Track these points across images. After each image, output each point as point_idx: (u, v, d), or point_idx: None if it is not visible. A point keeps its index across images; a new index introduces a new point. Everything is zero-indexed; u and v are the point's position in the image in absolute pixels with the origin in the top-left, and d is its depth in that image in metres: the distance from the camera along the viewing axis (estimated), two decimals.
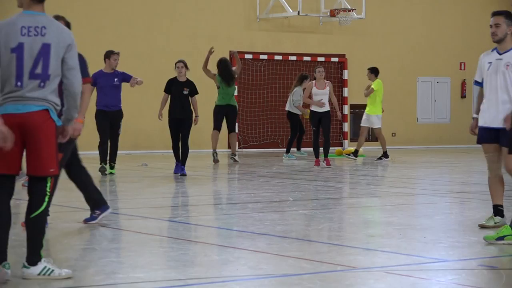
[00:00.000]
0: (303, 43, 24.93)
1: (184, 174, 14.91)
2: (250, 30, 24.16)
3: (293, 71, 24.50)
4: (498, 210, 8.58)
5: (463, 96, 28.09)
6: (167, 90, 15.22)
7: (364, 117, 19.88)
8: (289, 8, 23.72)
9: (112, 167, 15.13)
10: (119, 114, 14.98)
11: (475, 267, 6.61)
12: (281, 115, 24.45)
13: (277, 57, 24.44)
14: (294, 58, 24.63)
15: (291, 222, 9.16)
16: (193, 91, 15.09)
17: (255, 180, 14.44)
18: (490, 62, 8.37)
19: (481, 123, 8.49)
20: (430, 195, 12.32)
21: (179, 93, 15.01)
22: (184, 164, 15.07)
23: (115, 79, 14.90)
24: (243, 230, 8.53)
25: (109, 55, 14.98)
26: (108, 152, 15.03)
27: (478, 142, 8.58)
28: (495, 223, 8.52)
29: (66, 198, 11.27)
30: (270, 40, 24.44)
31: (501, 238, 7.65)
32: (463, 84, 28.03)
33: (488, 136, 8.41)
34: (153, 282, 5.96)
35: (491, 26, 8.36)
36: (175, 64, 15.32)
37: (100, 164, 14.90)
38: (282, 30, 24.68)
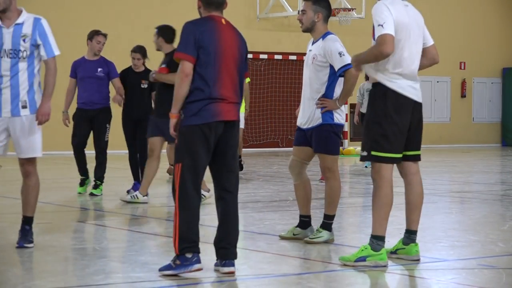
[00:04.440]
0: (303, 43, 24.81)
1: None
2: (250, 30, 24.15)
3: (293, 70, 24.49)
4: (302, 222, 7.83)
5: (463, 95, 28.07)
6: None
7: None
8: (289, 7, 23.70)
9: (96, 186, 11.50)
10: (103, 114, 11.42)
11: (475, 266, 6.61)
12: (281, 114, 24.45)
13: (277, 57, 24.44)
14: (294, 57, 24.63)
15: (291, 221, 9.14)
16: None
17: (255, 179, 14.42)
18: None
19: (297, 122, 7.63)
20: (430, 195, 12.30)
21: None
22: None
23: (99, 69, 11.46)
24: (243, 230, 8.52)
25: (92, 35, 11.59)
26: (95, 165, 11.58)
27: (294, 144, 7.66)
28: (293, 234, 7.78)
29: (65, 197, 11.27)
30: (270, 39, 24.44)
31: (363, 259, 6.52)
32: (463, 83, 28.02)
33: (300, 139, 7.55)
34: (153, 282, 5.95)
35: (298, 12, 7.43)
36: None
37: (80, 177, 11.65)
38: (282, 30, 24.68)
